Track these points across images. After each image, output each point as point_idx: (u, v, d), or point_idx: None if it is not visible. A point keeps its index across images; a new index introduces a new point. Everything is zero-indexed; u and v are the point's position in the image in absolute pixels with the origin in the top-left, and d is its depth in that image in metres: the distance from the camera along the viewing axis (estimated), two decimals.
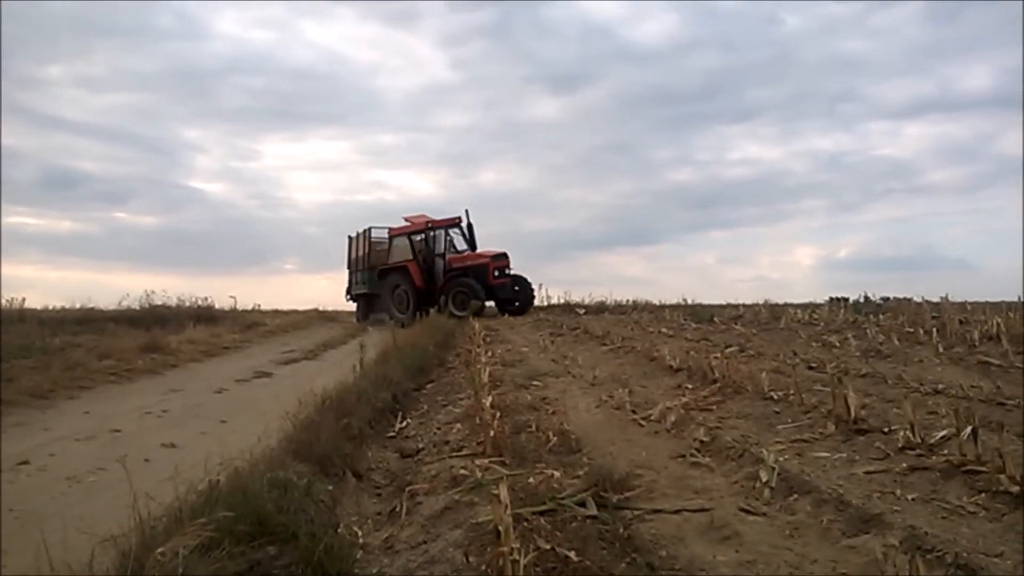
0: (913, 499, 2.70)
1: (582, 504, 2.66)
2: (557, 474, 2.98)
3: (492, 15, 40.93)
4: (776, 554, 2.33)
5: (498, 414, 4.00)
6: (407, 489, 3.22)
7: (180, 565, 1.94)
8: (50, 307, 15.71)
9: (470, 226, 16.49)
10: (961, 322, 8.03)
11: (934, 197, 40.73)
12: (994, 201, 40.56)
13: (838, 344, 7.44)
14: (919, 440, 3.29)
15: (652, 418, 4.37)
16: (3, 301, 13.81)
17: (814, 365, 6.06)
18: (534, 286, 17.01)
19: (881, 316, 10.10)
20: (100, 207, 43.38)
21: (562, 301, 17.55)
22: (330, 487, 3.18)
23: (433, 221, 16.60)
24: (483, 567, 2.11)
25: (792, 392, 4.48)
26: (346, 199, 42.93)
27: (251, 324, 15.66)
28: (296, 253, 42.86)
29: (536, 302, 16.98)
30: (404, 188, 43.32)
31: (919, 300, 12.56)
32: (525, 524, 2.34)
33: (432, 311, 14.44)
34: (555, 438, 3.78)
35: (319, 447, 3.52)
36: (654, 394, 5.17)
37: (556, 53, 41.28)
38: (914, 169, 40.49)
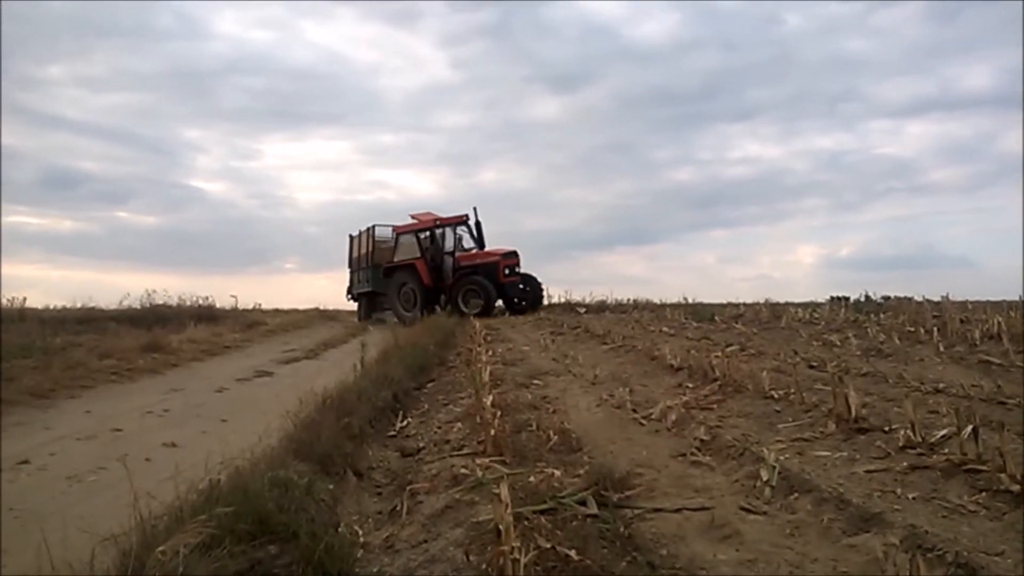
0: (914, 498, 2.69)
1: (583, 503, 2.66)
2: (558, 473, 2.98)
3: (492, 15, 40.96)
4: (777, 553, 2.33)
5: (499, 413, 4.00)
6: (408, 488, 3.22)
7: (181, 564, 1.94)
8: (51, 306, 15.77)
9: (478, 224, 16.39)
10: (962, 321, 8.02)
11: (935, 196, 40.76)
12: (995, 200, 40.56)
13: (839, 343, 7.44)
14: (920, 439, 3.29)
15: (653, 417, 4.36)
16: (4, 300, 13.86)
17: (815, 364, 6.06)
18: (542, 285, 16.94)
19: (882, 315, 10.09)
20: (101, 207, 43.48)
21: (563, 300, 17.51)
22: (331, 486, 3.18)
23: (441, 219, 16.50)
24: (484, 566, 2.11)
25: (793, 391, 4.48)
26: (346, 199, 43.02)
27: (252, 323, 15.67)
28: (296, 253, 42.97)
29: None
30: (404, 188, 43.40)
31: (920, 299, 12.58)
32: (526, 523, 2.34)
33: (438, 309, 14.41)
34: (556, 437, 3.78)
35: (320, 446, 3.52)
36: (655, 393, 5.16)
37: (556, 53, 41.31)
38: (915, 168, 40.52)
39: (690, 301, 16.26)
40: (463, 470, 3.24)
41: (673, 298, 17.20)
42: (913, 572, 1.88)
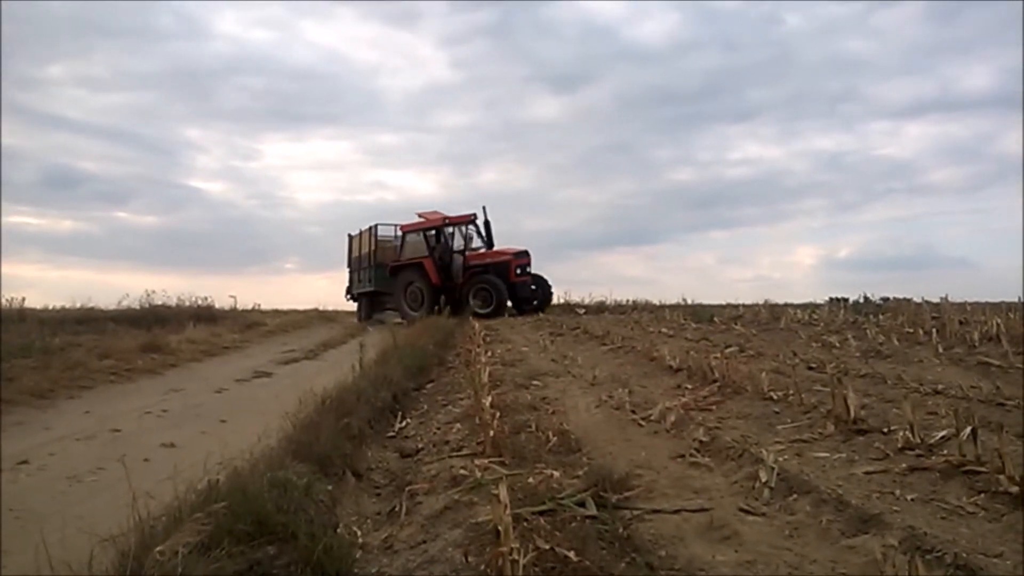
0: (912, 499, 2.69)
1: (582, 504, 2.66)
2: (557, 474, 2.98)
3: (493, 15, 41.08)
4: (775, 554, 2.33)
5: (498, 414, 3.99)
6: (407, 489, 3.22)
7: (179, 564, 1.94)
8: (50, 307, 15.75)
9: (487, 223, 16.24)
10: (961, 322, 8.03)
11: (935, 197, 40.88)
12: (994, 201, 40.74)
13: (838, 344, 7.44)
14: (918, 440, 3.29)
15: (652, 418, 4.36)
16: (3, 301, 13.84)
17: (814, 365, 6.06)
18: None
19: (881, 316, 10.10)
20: (101, 207, 43.56)
21: (562, 301, 17.50)
22: (330, 487, 3.18)
23: (449, 218, 16.38)
24: (482, 567, 2.11)
25: (792, 392, 4.48)
26: (346, 199, 43.10)
27: (251, 324, 15.69)
28: (296, 253, 43.04)
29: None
30: (404, 188, 43.46)
31: (919, 300, 12.58)
32: (524, 524, 2.34)
33: (439, 309, 14.37)
34: (555, 438, 3.78)
35: (319, 447, 3.52)
36: (654, 394, 5.16)
37: (556, 53, 41.44)
38: (914, 169, 40.65)
39: (689, 302, 16.30)
40: (462, 471, 3.24)
41: (672, 299, 17.25)
42: (912, 573, 1.88)
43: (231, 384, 7.86)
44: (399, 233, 17.22)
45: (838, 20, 38.06)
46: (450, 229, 16.34)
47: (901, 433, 3.38)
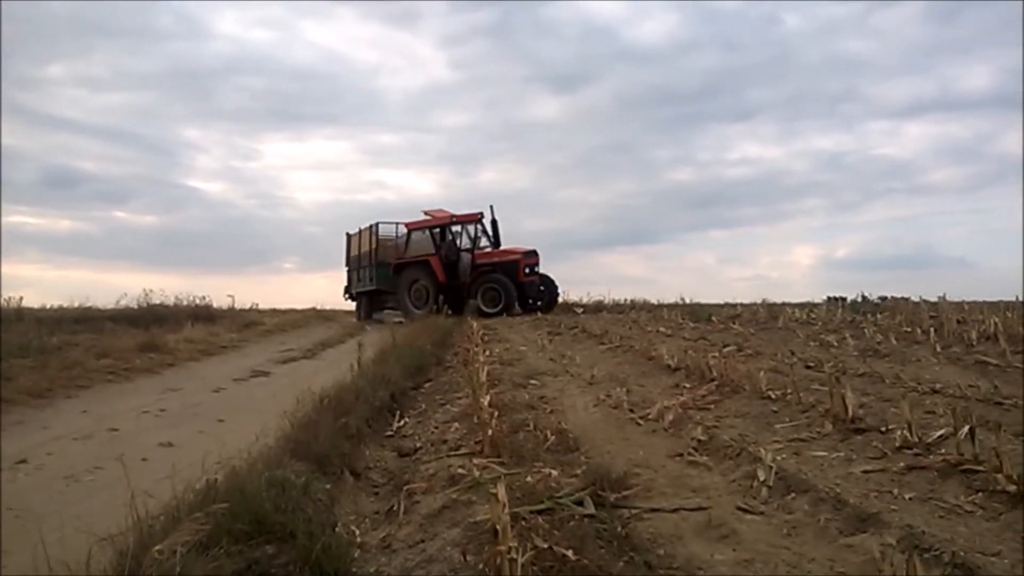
0: (910, 498, 2.70)
1: (580, 503, 2.66)
2: (555, 473, 2.98)
3: (492, 15, 41.10)
4: (774, 553, 2.33)
5: (496, 413, 3.99)
6: (405, 488, 3.22)
7: (177, 564, 1.93)
8: (48, 306, 15.75)
9: (494, 222, 16.20)
10: (959, 322, 8.04)
11: (934, 197, 40.99)
12: (994, 201, 40.87)
13: (836, 343, 7.45)
14: (916, 439, 3.29)
15: (650, 417, 4.36)
16: (2, 300, 13.82)
17: (812, 364, 6.06)
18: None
19: (879, 315, 10.11)
20: (100, 207, 43.54)
21: (560, 300, 17.50)
22: (328, 486, 3.18)
23: (456, 216, 16.32)
24: (481, 566, 2.11)
25: (790, 391, 4.48)
26: (346, 199, 43.10)
27: (249, 323, 15.66)
28: (295, 253, 43.05)
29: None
30: (404, 188, 43.48)
31: (917, 300, 12.60)
32: (523, 523, 2.34)
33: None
34: (553, 437, 3.78)
35: (317, 446, 3.52)
36: (652, 393, 5.17)
37: (556, 53, 41.47)
38: (914, 169, 40.74)
39: (687, 301, 16.32)
40: (460, 470, 3.24)
41: (671, 298, 17.27)
42: (910, 572, 1.89)
43: (229, 383, 7.86)
44: (401, 231, 17.13)
45: (838, 20, 38.20)
46: (457, 227, 16.26)
47: (899, 432, 3.39)
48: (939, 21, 37.19)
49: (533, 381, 6.08)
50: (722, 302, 15.69)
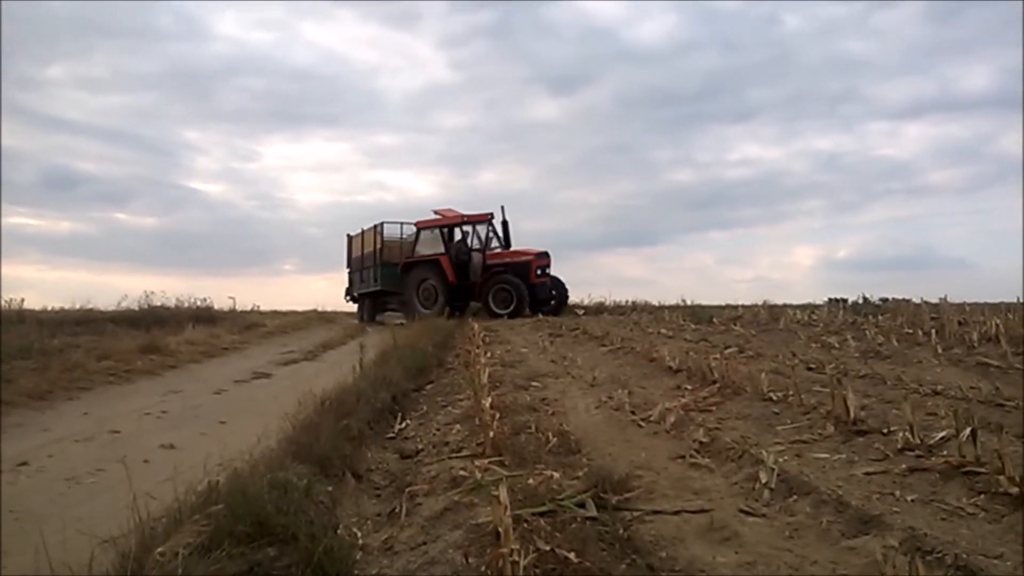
0: (912, 500, 2.69)
1: (582, 505, 2.66)
2: (556, 475, 2.98)
3: (492, 16, 41.09)
4: (776, 555, 2.33)
5: (497, 415, 3.99)
6: (407, 490, 3.22)
7: (179, 566, 1.94)
8: (49, 308, 15.69)
9: (505, 223, 16.08)
10: (960, 323, 8.03)
11: (934, 197, 40.95)
12: (994, 201, 40.82)
13: (837, 345, 7.44)
14: (918, 441, 3.29)
15: (651, 419, 4.36)
16: (2, 302, 13.82)
17: (813, 366, 6.06)
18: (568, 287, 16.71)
19: (880, 317, 10.10)
20: (100, 208, 43.57)
21: None
22: (330, 488, 3.18)
23: (468, 215, 16.24)
24: (483, 568, 2.11)
25: (791, 393, 4.48)
26: (346, 200, 43.08)
27: (250, 325, 15.66)
28: (296, 254, 43.09)
29: None
30: (404, 189, 43.48)
31: (918, 301, 12.59)
32: (525, 525, 2.34)
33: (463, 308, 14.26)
34: (555, 439, 3.77)
35: (319, 448, 3.52)
36: (653, 395, 5.16)
37: (556, 54, 41.46)
38: (914, 169, 40.68)
39: (688, 303, 16.31)
40: (462, 472, 3.24)
41: (672, 300, 17.25)
42: (912, 574, 1.88)
43: (230, 385, 7.86)
44: (407, 231, 17.09)
45: (838, 20, 38.17)
46: (467, 227, 16.19)
47: (901, 434, 3.38)
48: (939, 21, 37.21)
49: (535, 383, 6.08)
50: (723, 303, 15.69)
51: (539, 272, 15.64)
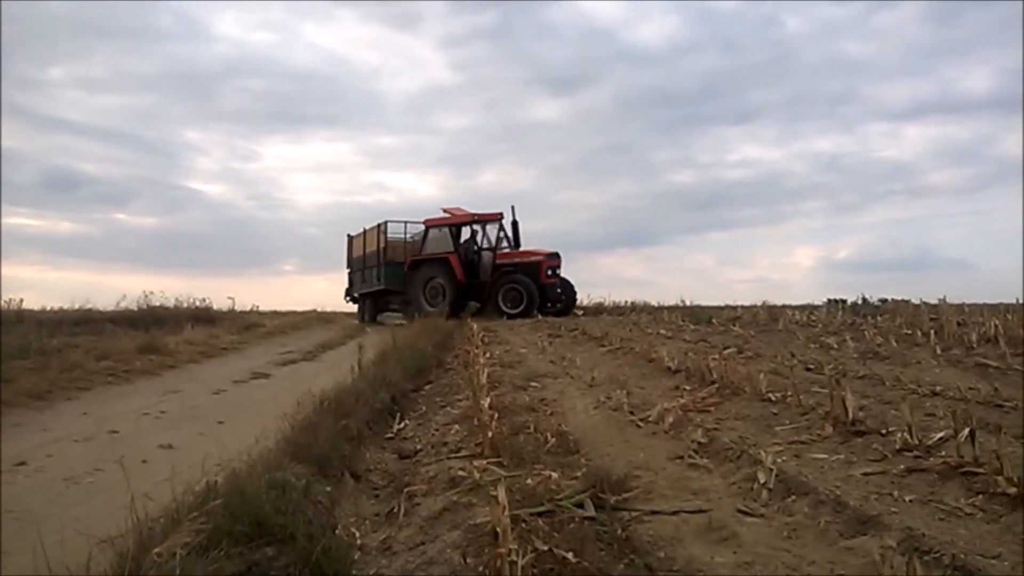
0: (911, 501, 2.70)
1: (580, 505, 2.66)
2: (555, 475, 2.98)
3: (492, 17, 41.13)
4: (774, 555, 2.33)
5: (496, 415, 3.99)
6: (405, 490, 3.22)
7: (177, 566, 1.93)
8: (48, 308, 15.70)
9: (515, 223, 16.00)
10: (959, 324, 8.03)
11: (934, 199, 41.02)
12: (994, 202, 40.89)
13: (836, 346, 7.45)
14: (917, 442, 3.29)
15: (650, 419, 4.36)
16: (2, 302, 13.82)
17: (812, 367, 6.06)
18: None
19: (879, 318, 10.11)
20: (100, 208, 43.63)
21: None
22: (328, 488, 3.18)
23: (479, 214, 16.19)
24: (481, 568, 2.11)
25: (790, 394, 4.48)
26: (346, 200, 43.10)
27: (249, 325, 15.65)
28: (295, 254, 43.13)
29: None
30: (404, 190, 43.48)
31: (917, 302, 12.59)
32: (523, 525, 2.34)
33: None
34: (553, 439, 3.78)
35: (317, 448, 3.52)
36: (652, 395, 5.17)
37: (556, 55, 41.51)
38: (914, 171, 40.72)
39: (687, 303, 16.33)
40: (460, 472, 3.24)
41: (671, 300, 17.27)
42: (910, 574, 1.89)
43: (229, 385, 7.86)
44: (410, 231, 17.06)
45: (838, 21, 38.25)
46: (477, 226, 16.14)
47: (899, 434, 3.39)
48: (939, 22, 37.31)
49: (533, 383, 6.08)
50: (722, 304, 15.71)
51: (549, 273, 15.59)
